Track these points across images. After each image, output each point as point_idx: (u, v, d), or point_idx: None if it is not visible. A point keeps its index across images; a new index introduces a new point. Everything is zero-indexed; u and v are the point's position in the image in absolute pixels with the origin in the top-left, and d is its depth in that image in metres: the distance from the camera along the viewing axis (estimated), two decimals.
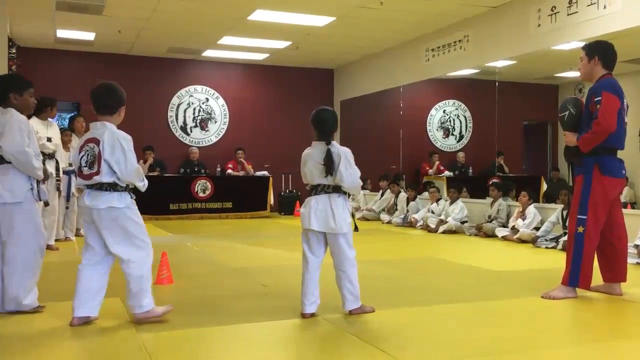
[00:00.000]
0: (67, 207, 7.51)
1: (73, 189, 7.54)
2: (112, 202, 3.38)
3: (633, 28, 6.63)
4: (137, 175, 3.44)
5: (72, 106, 11.97)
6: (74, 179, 7.55)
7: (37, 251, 3.76)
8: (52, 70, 11.01)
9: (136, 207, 3.51)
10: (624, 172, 4.31)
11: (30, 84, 3.86)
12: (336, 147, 3.72)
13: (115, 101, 3.53)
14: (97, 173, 3.36)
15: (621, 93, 4.20)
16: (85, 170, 3.40)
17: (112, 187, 3.40)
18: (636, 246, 5.75)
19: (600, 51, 4.30)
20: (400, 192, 10.46)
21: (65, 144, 7.37)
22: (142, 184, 3.51)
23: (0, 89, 3.75)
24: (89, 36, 10.21)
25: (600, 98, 4.10)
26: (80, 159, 3.42)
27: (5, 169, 3.67)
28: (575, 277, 4.18)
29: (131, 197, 3.50)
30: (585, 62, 4.33)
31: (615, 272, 4.35)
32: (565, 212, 6.76)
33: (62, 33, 9.98)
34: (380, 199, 11.11)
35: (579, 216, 4.18)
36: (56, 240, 7.01)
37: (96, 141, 3.40)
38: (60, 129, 7.44)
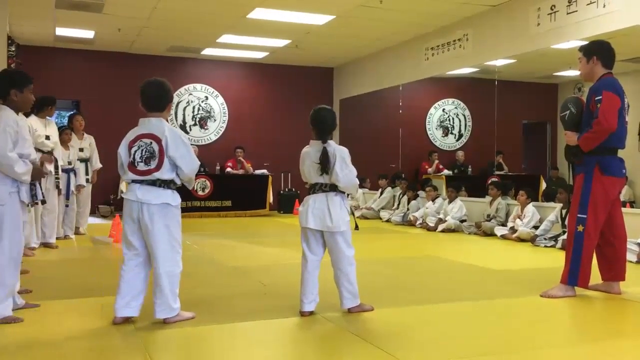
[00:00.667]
0: (67, 205, 7.52)
1: (72, 187, 7.54)
2: (166, 198, 3.41)
3: (632, 27, 6.64)
4: (195, 172, 3.54)
5: (71, 104, 11.97)
6: (73, 177, 7.55)
7: (10, 261, 3.53)
8: (51, 68, 11.00)
9: (180, 209, 3.55)
10: (624, 171, 4.31)
11: (31, 79, 3.78)
12: (332, 146, 3.72)
13: (166, 98, 3.55)
14: (157, 169, 3.37)
15: (622, 92, 4.20)
16: (141, 166, 3.39)
17: (167, 184, 3.42)
18: (639, 244, 5.75)
19: (598, 50, 4.31)
20: (406, 192, 10.38)
21: (65, 142, 7.37)
22: (195, 182, 3.60)
23: (2, 85, 3.67)
24: (89, 34, 10.20)
25: (600, 97, 4.10)
26: (134, 154, 3.40)
27: None
28: (575, 276, 4.19)
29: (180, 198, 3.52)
30: (584, 62, 4.33)
31: (614, 272, 4.36)
32: (564, 211, 6.76)
33: (61, 31, 9.97)
34: (379, 197, 11.11)
35: (579, 215, 4.19)
36: (57, 238, 7.01)
37: (154, 137, 3.39)
38: (60, 127, 7.44)
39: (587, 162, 4.22)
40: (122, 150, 3.47)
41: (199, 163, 3.52)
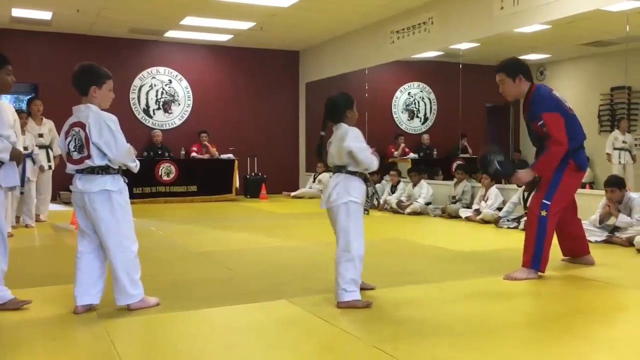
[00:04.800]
0: (21, 193, 7.21)
1: (29, 174, 7.24)
2: (105, 184, 3.32)
3: (593, 11, 6.75)
4: (128, 155, 3.38)
5: (29, 88, 11.63)
6: (30, 163, 7.27)
7: None
8: (8, 51, 10.45)
9: (127, 192, 3.45)
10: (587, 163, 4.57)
11: (7, 60, 3.57)
12: (339, 129, 3.64)
13: (85, 81, 3.42)
14: (88, 157, 3.29)
15: (552, 94, 4.31)
16: (75, 155, 3.33)
17: (105, 170, 3.33)
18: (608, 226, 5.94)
19: (521, 67, 4.38)
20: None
21: (21, 127, 7.14)
22: (134, 165, 3.44)
23: None
24: (46, 15, 9.89)
25: (542, 121, 4.21)
26: (68, 144, 3.35)
27: None
28: (538, 260, 4.28)
29: (124, 181, 3.42)
30: (510, 83, 4.36)
31: (583, 246, 4.75)
32: (526, 193, 6.87)
33: (17, 12, 9.65)
34: None
35: (544, 200, 4.29)
36: (14, 227, 6.81)
37: (81, 125, 3.32)
38: (17, 111, 7.21)
39: (562, 158, 4.30)
40: (61, 142, 3.45)
41: (127, 147, 3.36)
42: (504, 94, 4.44)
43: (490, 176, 4.46)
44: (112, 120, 3.36)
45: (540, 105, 4.26)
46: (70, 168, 3.39)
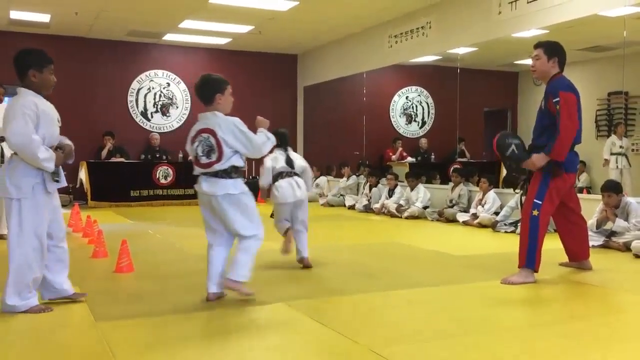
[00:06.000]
0: None
1: None
2: (228, 189, 3.60)
3: (590, 16, 6.77)
4: (264, 147, 3.72)
5: None
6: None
7: (33, 252, 3.46)
8: (5, 53, 10.58)
9: (250, 192, 3.73)
10: (578, 165, 4.55)
11: (50, 59, 3.61)
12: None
13: (210, 91, 3.69)
14: (218, 161, 3.59)
15: (577, 90, 4.33)
16: (203, 159, 3.61)
17: (227, 174, 3.61)
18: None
19: (560, 52, 4.40)
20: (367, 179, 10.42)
21: None
22: (269, 146, 3.76)
23: (19, 66, 3.53)
24: (44, 18, 9.89)
25: (558, 99, 4.20)
26: (196, 149, 3.62)
27: None
28: (532, 259, 4.30)
29: (244, 183, 3.72)
30: (544, 60, 4.37)
31: (584, 250, 4.73)
32: (523, 198, 6.88)
33: (15, 14, 9.64)
34: (345, 182, 11.09)
35: (535, 200, 4.33)
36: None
37: (210, 131, 3.60)
38: None
39: (548, 162, 4.32)
40: (188, 147, 3.73)
41: (262, 140, 3.67)
42: (534, 69, 4.42)
43: (507, 160, 4.44)
44: (240, 122, 3.67)
45: (561, 85, 4.27)
46: (197, 170, 3.69)
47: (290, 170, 4.85)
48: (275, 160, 4.84)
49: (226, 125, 3.60)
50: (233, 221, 3.62)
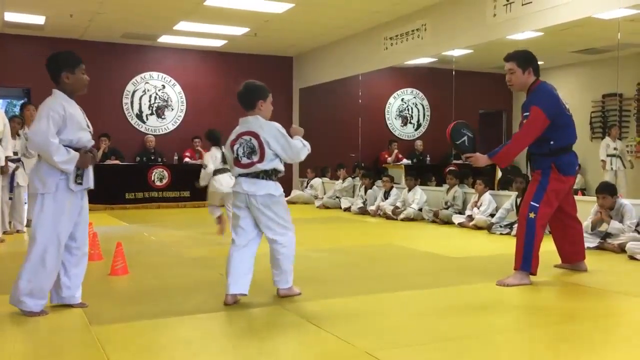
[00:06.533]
0: (10, 198, 7.12)
1: (19, 179, 7.16)
2: (269, 189, 3.73)
3: (585, 18, 6.80)
4: (302, 152, 3.79)
5: (22, 92, 11.58)
6: (21, 170, 7.18)
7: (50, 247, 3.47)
8: (0, 55, 10.60)
9: (284, 195, 3.85)
10: (577, 167, 4.54)
11: (81, 60, 3.62)
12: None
13: (253, 97, 3.83)
14: (260, 161, 3.70)
15: (554, 93, 4.34)
16: (244, 160, 3.73)
17: (268, 175, 3.74)
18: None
19: (533, 61, 4.40)
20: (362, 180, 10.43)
21: (14, 131, 7.11)
22: (305, 153, 3.82)
23: (52, 69, 3.54)
24: (39, 20, 9.86)
25: (528, 114, 4.26)
26: (236, 150, 3.75)
27: None
28: (528, 262, 4.30)
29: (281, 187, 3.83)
30: (519, 74, 4.37)
31: (579, 252, 4.74)
32: (519, 199, 6.91)
33: (10, 16, 9.62)
34: (341, 184, 11.10)
35: (532, 203, 4.34)
36: (5, 232, 6.76)
37: (252, 134, 3.73)
38: (13, 116, 7.22)
39: (544, 162, 4.36)
40: (226, 149, 3.90)
41: (300, 146, 3.76)
42: (511, 83, 4.43)
43: (454, 147, 4.48)
44: (281, 127, 3.81)
45: (535, 97, 4.29)
46: (237, 171, 3.79)
47: (225, 167, 6.06)
48: (215, 158, 6.09)
49: (269, 129, 3.73)
50: (270, 222, 3.73)
